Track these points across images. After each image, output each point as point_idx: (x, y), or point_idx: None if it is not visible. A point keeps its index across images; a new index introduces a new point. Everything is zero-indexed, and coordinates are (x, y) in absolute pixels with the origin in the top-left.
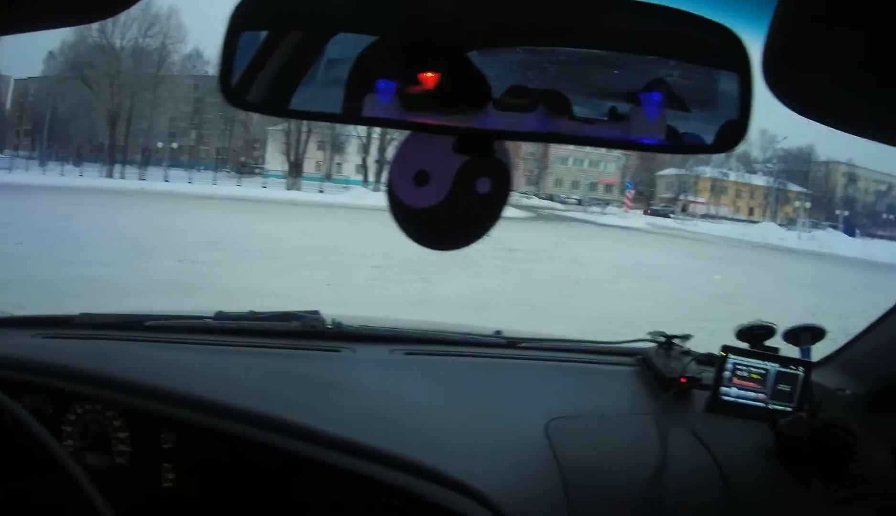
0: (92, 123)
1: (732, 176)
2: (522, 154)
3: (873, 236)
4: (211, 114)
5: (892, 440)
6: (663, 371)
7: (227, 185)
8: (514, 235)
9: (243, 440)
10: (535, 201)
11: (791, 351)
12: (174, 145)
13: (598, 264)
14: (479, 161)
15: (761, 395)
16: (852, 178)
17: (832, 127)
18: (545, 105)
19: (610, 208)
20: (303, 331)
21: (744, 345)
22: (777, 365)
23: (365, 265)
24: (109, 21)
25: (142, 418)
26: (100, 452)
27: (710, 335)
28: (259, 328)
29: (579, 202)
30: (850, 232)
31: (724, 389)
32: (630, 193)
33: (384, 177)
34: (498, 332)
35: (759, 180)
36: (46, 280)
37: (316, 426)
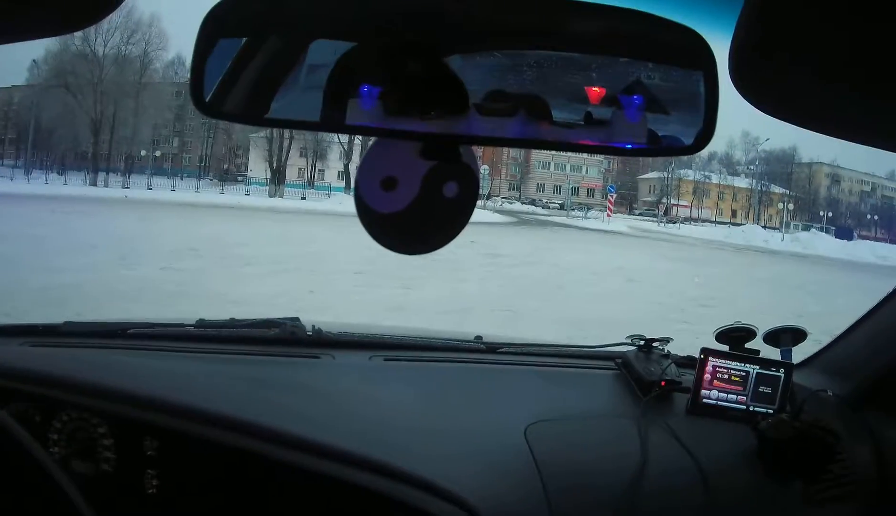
0: (76, 131)
1: (715, 178)
2: (504, 159)
3: (860, 238)
4: (193, 121)
5: (875, 440)
6: (643, 374)
7: (210, 193)
8: (496, 240)
9: (225, 446)
10: (517, 206)
11: (772, 353)
12: (157, 153)
13: (580, 268)
14: (445, 166)
15: (742, 397)
16: (836, 179)
17: (802, 126)
18: (524, 109)
19: (592, 212)
20: (283, 338)
21: (724, 348)
22: (758, 367)
23: (347, 271)
24: (92, 29)
25: (126, 425)
26: (85, 459)
27: (694, 337)
28: (240, 335)
29: (562, 206)
30: (843, 235)
31: (704, 392)
32: (612, 197)
33: None
34: (478, 337)
35: (742, 182)
36: (26, 287)
37: (296, 432)
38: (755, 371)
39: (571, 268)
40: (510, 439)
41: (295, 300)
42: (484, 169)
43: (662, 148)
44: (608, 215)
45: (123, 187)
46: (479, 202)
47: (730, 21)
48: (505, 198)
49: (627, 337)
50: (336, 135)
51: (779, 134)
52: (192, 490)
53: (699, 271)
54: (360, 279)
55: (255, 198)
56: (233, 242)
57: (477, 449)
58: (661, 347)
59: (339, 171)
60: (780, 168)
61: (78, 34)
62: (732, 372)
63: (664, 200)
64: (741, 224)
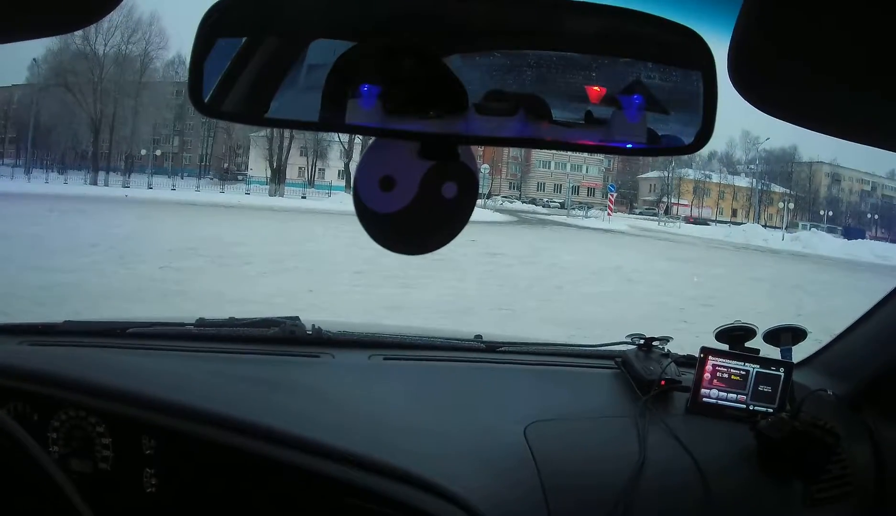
0: (76, 131)
1: (715, 177)
2: (505, 158)
3: (861, 237)
4: (194, 120)
5: (874, 440)
6: (643, 373)
7: (210, 192)
8: (496, 239)
9: (224, 445)
10: (517, 205)
11: (772, 352)
12: (157, 152)
13: (580, 268)
14: (444, 166)
15: (742, 397)
16: (836, 178)
17: (801, 125)
18: (524, 109)
19: (593, 211)
20: (283, 337)
21: (724, 347)
22: (757, 366)
23: (346, 270)
24: (92, 28)
25: (124, 424)
26: (84, 458)
27: (693, 336)
28: (239, 334)
29: (562, 205)
30: (853, 235)
31: (704, 391)
32: (612, 196)
33: None
34: (478, 337)
35: (742, 182)
36: (25, 286)
37: (295, 431)
38: (755, 370)
39: (571, 267)
40: (509, 438)
41: (294, 299)
42: (484, 168)
43: (662, 147)
44: (608, 214)
45: (124, 186)
46: (480, 201)
47: (729, 21)
48: (505, 196)
49: (627, 336)
50: (336, 135)
51: (779, 133)
52: (191, 489)
53: (699, 270)
54: (360, 278)
55: (255, 197)
56: (232, 241)
57: (476, 449)
58: (660, 346)
59: (339, 170)
60: (780, 167)
61: (78, 33)
62: (732, 371)
63: (664, 199)
64: (741, 223)
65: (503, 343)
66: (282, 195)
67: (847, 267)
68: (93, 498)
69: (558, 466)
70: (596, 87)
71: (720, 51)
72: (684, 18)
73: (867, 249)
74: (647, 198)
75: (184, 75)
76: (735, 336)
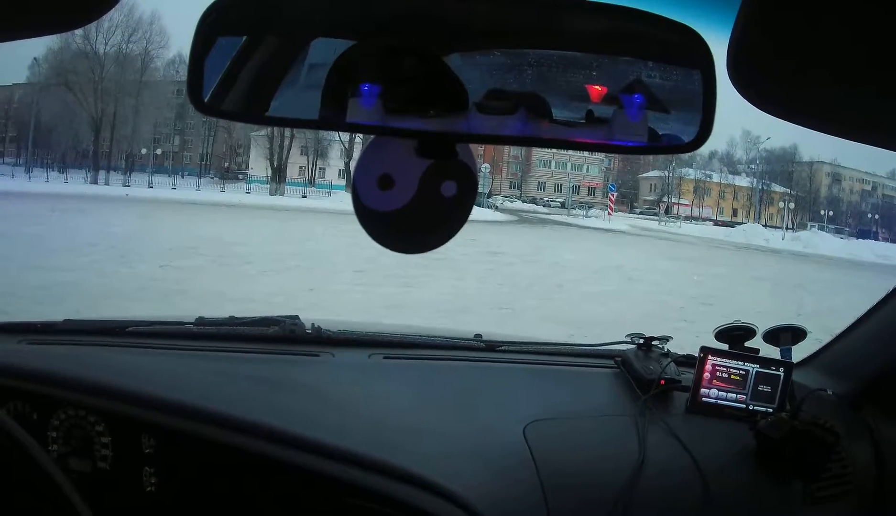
0: (76, 130)
1: (716, 177)
2: (505, 158)
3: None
4: (194, 119)
5: (873, 439)
6: (642, 373)
7: (210, 191)
8: (497, 239)
9: (224, 444)
10: (518, 204)
11: (772, 352)
12: (158, 151)
13: (581, 267)
14: (443, 165)
15: (741, 396)
16: (836, 178)
17: (800, 124)
18: (524, 108)
19: (593, 211)
20: (282, 336)
21: (723, 347)
22: (757, 365)
23: (347, 270)
24: (92, 27)
25: (124, 423)
26: (83, 457)
27: (693, 336)
28: (239, 333)
29: (562, 205)
30: (865, 235)
31: (703, 390)
32: (613, 196)
33: None
34: (478, 336)
35: (743, 181)
36: (25, 285)
37: (295, 430)
38: (755, 370)
39: (572, 266)
40: (509, 437)
41: (294, 298)
42: (484, 167)
43: (661, 146)
44: (609, 214)
45: (124, 185)
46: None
47: (728, 19)
48: (506, 196)
49: (627, 335)
50: (337, 134)
51: (779, 133)
52: (191, 488)
53: (699, 270)
54: (360, 277)
55: (255, 197)
56: (233, 240)
57: (476, 448)
58: (660, 346)
59: (339, 170)
60: (780, 167)
61: (79, 32)
62: (732, 370)
63: (665, 199)
64: (742, 222)
65: (503, 342)
66: (282, 194)
67: (848, 266)
68: (92, 497)
69: (558, 465)
70: (596, 86)
71: (720, 49)
72: (684, 17)
73: (867, 249)
74: (647, 197)
75: (184, 74)
76: (735, 335)
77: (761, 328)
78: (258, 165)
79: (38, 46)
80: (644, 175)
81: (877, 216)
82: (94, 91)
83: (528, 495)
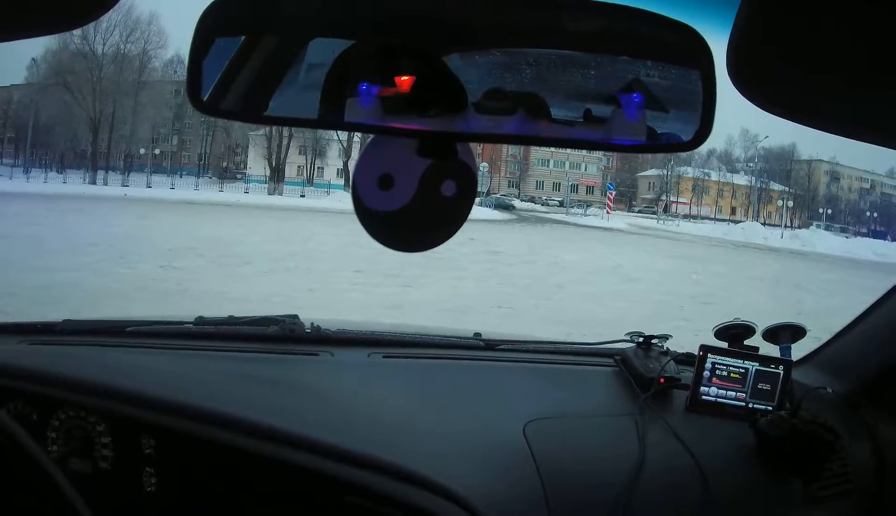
0: (75, 130)
1: (714, 175)
2: (504, 157)
3: (858, 235)
4: (192, 119)
5: (873, 438)
6: (642, 371)
7: (209, 191)
8: (495, 237)
9: (224, 444)
10: (516, 203)
11: (771, 350)
12: (156, 151)
13: (580, 266)
14: (443, 164)
15: (741, 394)
16: (835, 176)
17: (799, 122)
18: (524, 108)
19: (592, 210)
20: (282, 336)
21: (723, 345)
22: (757, 364)
23: (346, 269)
24: (91, 27)
25: (124, 423)
26: (83, 458)
27: (693, 334)
28: (239, 333)
29: (561, 204)
30: (879, 236)
31: (703, 389)
32: (611, 194)
33: None
34: (477, 335)
35: (742, 179)
36: (25, 286)
37: (295, 429)
38: (754, 368)
39: (570, 265)
40: (509, 436)
41: (294, 298)
42: (483, 166)
43: (660, 144)
44: (607, 212)
45: (123, 185)
46: (478, 199)
47: (727, 18)
48: (504, 195)
49: (626, 334)
50: (335, 133)
51: (778, 131)
52: (191, 488)
53: (698, 268)
54: (360, 277)
55: (254, 196)
56: (232, 240)
57: (476, 447)
58: (659, 344)
59: (338, 169)
60: (779, 165)
61: (77, 32)
62: (731, 369)
63: (663, 197)
64: (740, 221)
65: (502, 341)
66: (281, 194)
67: (847, 265)
68: (93, 497)
69: (558, 464)
70: (595, 85)
71: (720, 49)
72: (683, 16)
73: (866, 247)
74: (645, 196)
75: (182, 74)
76: (734, 334)
77: (760, 326)
78: (256, 165)
79: (36, 47)
80: (642, 173)
81: (875, 214)
82: (92, 91)
83: (528, 494)
